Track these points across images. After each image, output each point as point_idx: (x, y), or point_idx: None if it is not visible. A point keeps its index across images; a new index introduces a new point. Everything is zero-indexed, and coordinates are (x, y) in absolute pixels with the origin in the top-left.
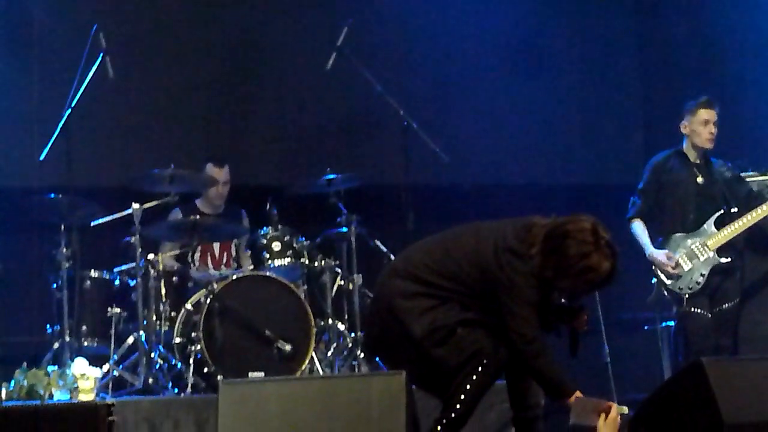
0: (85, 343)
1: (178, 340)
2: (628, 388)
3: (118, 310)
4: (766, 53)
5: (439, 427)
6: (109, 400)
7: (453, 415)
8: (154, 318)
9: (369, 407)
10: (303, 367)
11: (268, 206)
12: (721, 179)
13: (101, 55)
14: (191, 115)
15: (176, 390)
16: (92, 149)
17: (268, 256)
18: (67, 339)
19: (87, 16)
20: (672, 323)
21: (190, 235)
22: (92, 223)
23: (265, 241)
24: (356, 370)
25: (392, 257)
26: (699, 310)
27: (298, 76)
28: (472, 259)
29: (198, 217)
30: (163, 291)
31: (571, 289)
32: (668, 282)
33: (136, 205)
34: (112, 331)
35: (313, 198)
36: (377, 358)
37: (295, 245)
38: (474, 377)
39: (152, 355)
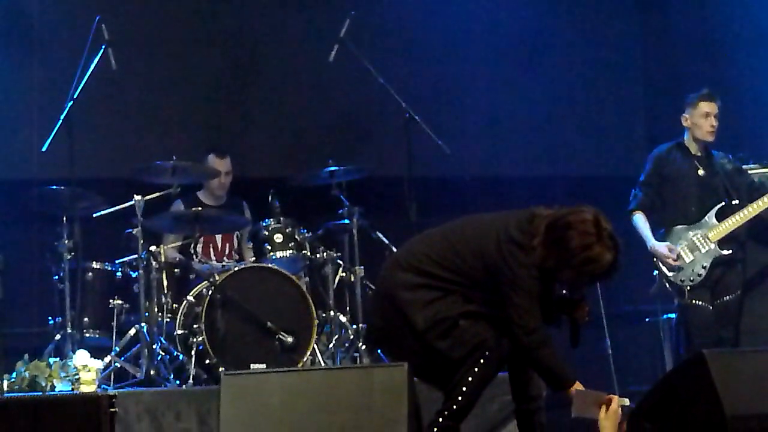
0: (87, 335)
1: (179, 331)
2: (630, 380)
3: (120, 301)
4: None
5: (441, 419)
6: (111, 391)
7: (455, 406)
8: (156, 309)
9: (371, 399)
10: (305, 358)
11: (270, 198)
12: (722, 171)
13: (103, 47)
14: (193, 107)
15: (178, 381)
16: (94, 141)
17: (270, 247)
18: (69, 330)
19: (89, 8)
20: (673, 315)
21: (192, 226)
22: (94, 215)
23: (267, 233)
24: (358, 361)
25: (394, 249)
26: (700, 302)
27: (301, 68)
28: (474, 250)
29: (200, 208)
30: (165, 283)
31: (572, 280)
32: (670, 274)
33: (138, 197)
34: (114, 323)
35: (315, 190)
36: (379, 351)
37: (297, 237)
38: (476, 369)
39: (154, 346)
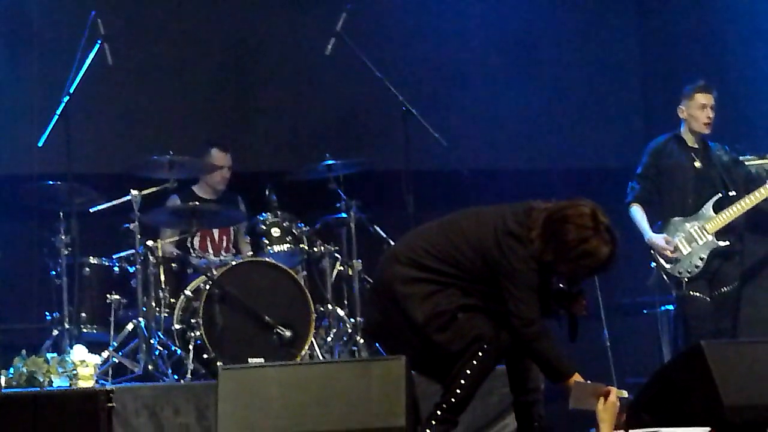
0: (85, 330)
1: (177, 326)
2: (628, 372)
3: (117, 296)
4: (766, 38)
5: (439, 412)
6: (109, 386)
7: (454, 399)
8: (154, 304)
9: (369, 392)
10: (303, 352)
11: (267, 192)
12: (719, 163)
13: (99, 42)
14: (190, 102)
15: (176, 376)
16: (91, 136)
17: (267, 241)
18: (67, 326)
19: (85, 3)
20: (671, 307)
21: (189, 221)
22: (91, 210)
23: (264, 227)
24: (356, 355)
25: (392, 243)
26: (698, 294)
27: (297, 62)
28: (472, 244)
29: (197, 203)
30: (163, 277)
31: (570, 273)
32: (667, 266)
33: (135, 192)
34: (112, 318)
35: (312, 184)
36: (377, 345)
37: (294, 231)
38: (475, 362)
39: (152, 341)
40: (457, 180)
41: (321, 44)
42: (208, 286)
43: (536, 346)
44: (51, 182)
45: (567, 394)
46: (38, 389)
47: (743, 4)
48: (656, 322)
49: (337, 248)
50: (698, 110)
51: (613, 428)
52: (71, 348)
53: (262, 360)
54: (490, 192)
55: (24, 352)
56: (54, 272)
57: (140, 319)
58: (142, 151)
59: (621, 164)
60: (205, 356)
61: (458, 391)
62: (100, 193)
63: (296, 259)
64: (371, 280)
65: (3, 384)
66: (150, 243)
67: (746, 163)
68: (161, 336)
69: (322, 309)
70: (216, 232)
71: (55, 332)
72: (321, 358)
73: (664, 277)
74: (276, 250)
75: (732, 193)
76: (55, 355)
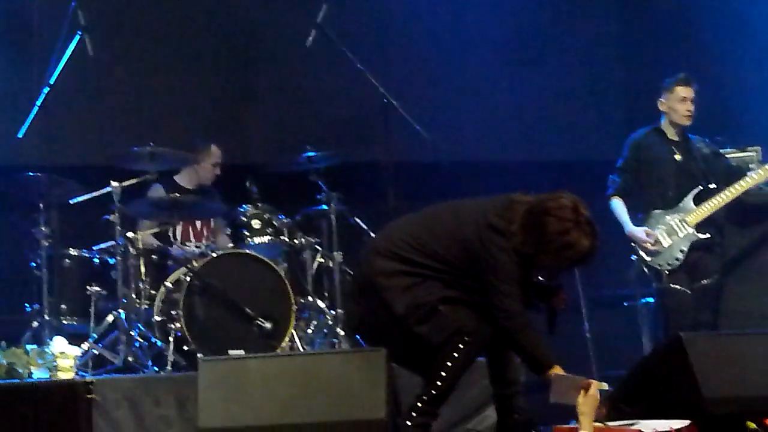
0: (65, 322)
1: (158, 318)
2: (609, 364)
3: (97, 288)
4: (745, 31)
5: (420, 404)
6: (89, 378)
7: (434, 391)
8: (134, 296)
9: (349, 384)
10: (283, 344)
11: (248, 184)
12: (699, 156)
13: (79, 32)
14: (170, 93)
15: (156, 368)
16: (71, 127)
17: (248, 233)
18: (47, 317)
19: None
20: (652, 300)
21: (169, 212)
22: (71, 202)
23: (245, 219)
24: (336, 347)
25: (372, 235)
26: (679, 287)
27: (278, 54)
28: (453, 236)
29: (178, 194)
30: (143, 269)
31: (550, 265)
32: (648, 258)
33: (115, 184)
34: (92, 309)
35: (293, 176)
36: (358, 337)
37: (275, 223)
38: (456, 355)
39: (132, 333)
40: (438, 172)
41: (302, 36)
42: (188, 278)
43: (519, 338)
44: (31, 173)
45: (547, 386)
46: (18, 381)
47: None
48: (637, 315)
49: (317, 240)
50: (678, 103)
51: (593, 421)
52: (51, 339)
53: (242, 352)
54: (471, 184)
55: (4, 343)
56: (34, 264)
57: (120, 310)
58: (122, 142)
59: (602, 157)
60: (185, 348)
61: (439, 383)
62: (81, 185)
63: (277, 251)
64: (352, 272)
65: None
66: (130, 234)
67: (727, 155)
68: (141, 327)
69: (302, 301)
70: (198, 223)
71: (35, 324)
72: (301, 349)
73: (645, 269)
74: (257, 242)
75: (712, 186)
76: (35, 346)
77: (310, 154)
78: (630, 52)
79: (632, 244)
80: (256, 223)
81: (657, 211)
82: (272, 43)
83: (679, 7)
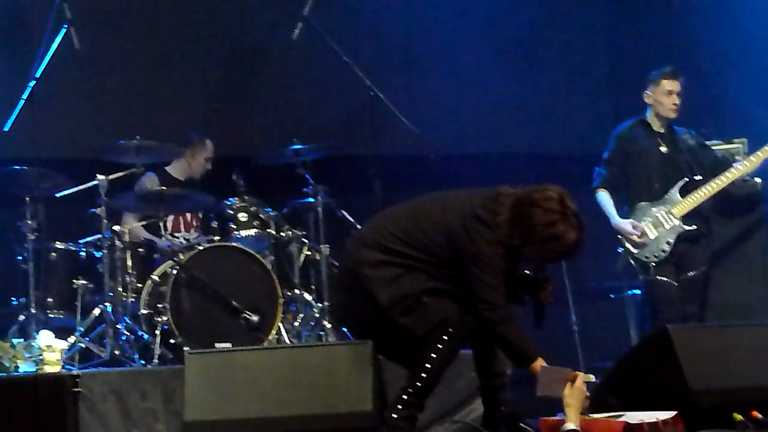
0: (51, 315)
1: (144, 311)
2: (596, 356)
3: (84, 281)
4: (731, 23)
5: (405, 396)
6: (75, 371)
7: (419, 383)
8: (121, 289)
9: (336, 376)
10: (270, 337)
11: (234, 177)
12: (684, 148)
13: (65, 26)
14: (157, 86)
15: (143, 361)
16: (58, 120)
17: (234, 226)
18: (33, 311)
19: None
20: (638, 291)
21: (156, 205)
22: (58, 195)
23: (231, 212)
24: (323, 339)
25: (359, 228)
26: (665, 278)
27: (265, 47)
28: (439, 227)
29: (164, 187)
30: (129, 262)
31: (536, 258)
32: (634, 251)
33: (101, 177)
34: (78, 303)
35: (279, 168)
36: (344, 328)
37: (261, 216)
38: (440, 346)
39: (118, 326)
40: (424, 165)
41: (288, 29)
42: (175, 271)
43: (501, 330)
44: (17, 167)
45: (533, 379)
46: (4, 375)
47: None
48: (623, 307)
49: (304, 233)
50: (665, 96)
51: (579, 413)
52: (38, 333)
53: (229, 345)
54: (458, 177)
55: None
56: (20, 257)
57: (107, 304)
58: (109, 135)
59: (589, 150)
60: (172, 341)
61: (424, 375)
62: (67, 178)
63: (263, 244)
64: (338, 264)
65: None
66: (117, 228)
67: (713, 147)
68: (128, 321)
69: (289, 294)
70: (188, 214)
71: (22, 317)
72: (288, 342)
73: (631, 261)
74: (243, 235)
75: (698, 178)
76: (21, 340)
77: (297, 147)
78: (616, 45)
79: (619, 236)
80: (242, 216)
81: (643, 203)
82: (259, 36)
83: (665, 1)
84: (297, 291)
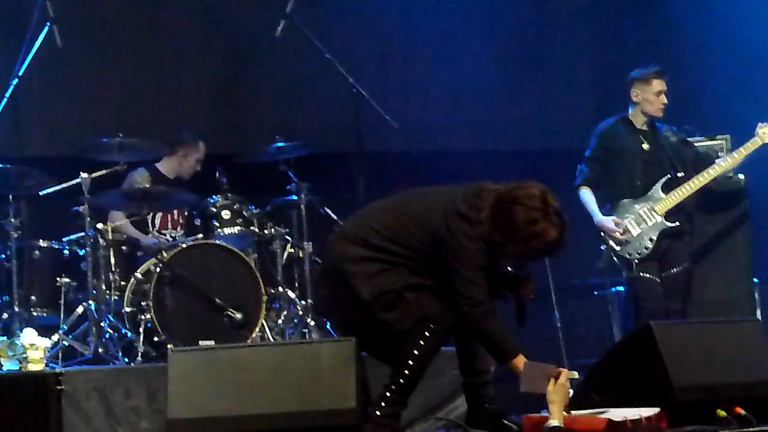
0: (35, 313)
1: (128, 309)
2: (579, 353)
3: (67, 279)
4: (712, 19)
5: (388, 393)
6: (59, 369)
7: (402, 380)
8: (104, 287)
9: (319, 374)
10: (253, 335)
11: (217, 174)
12: (667, 144)
13: (48, 24)
14: (139, 85)
15: (126, 359)
16: (41, 118)
17: (217, 224)
18: (17, 309)
19: None
20: (622, 288)
21: (139, 204)
22: (41, 193)
23: (214, 210)
24: (307, 337)
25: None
26: (648, 275)
27: (247, 45)
28: (421, 223)
29: (147, 185)
30: (113, 260)
31: (518, 255)
32: (617, 248)
33: (84, 175)
34: (62, 301)
35: (262, 166)
36: (328, 326)
37: (245, 213)
38: (422, 342)
39: (102, 324)
40: (407, 162)
41: (271, 26)
42: (158, 269)
43: (482, 326)
44: (0, 165)
45: (517, 376)
46: None
47: None
48: (607, 304)
49: (287, 230)
50: (654, 96)
51: (563, 409)
52: (21, 331)
53: (212, 342)
54: (441, 174)
55: None
56: (3, 255)
57: (90, 302)
58: (92, 133)
59: (571, 147)
60: (155, 339)
61: (406, 372)
62: (50, 176)
63: (247, 242)
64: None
65: None
66: (100, 226)
67: (696, 144)
68: (111, 319)
69: (272, 291)
70: (176, 211)
71: (5, 315)
72: (272, 340)
73: (615, 258)
74: (226, 233)
75: (681, 174)
76: (4, 338)
77: (280, 144)
78: (598, 42)
79: (601, 233)
80: (225, 214)
81: (625, 200)
82: (241, 34)
83: None
84: (280, 288)
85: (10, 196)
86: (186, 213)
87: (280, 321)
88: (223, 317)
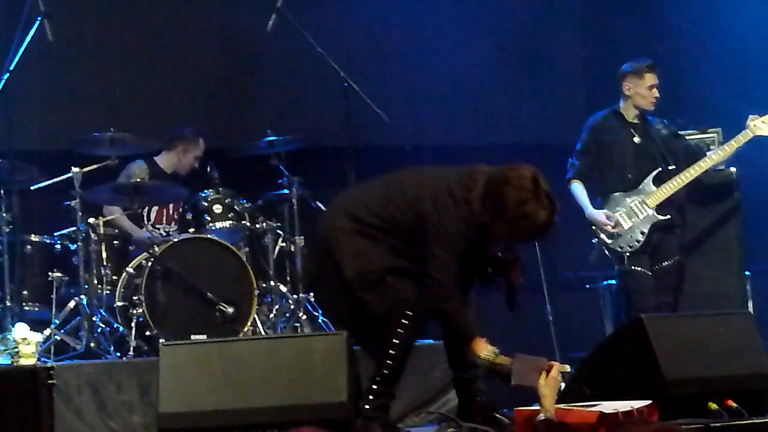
0: (27, 308)
1: (119, 303)
2: (571, 346)
3: (59, 274)
4: (704, 12)
5: (375, 386)
6: (50, 364)
7: (386, 371)
8: (96, 282)
9: (311, 368)
10: (245, 329)
11: (209, 169)
12: (658, 137)
13: (39, 18)
14: (131, 79)
15: (118, 353)
16: (32, 113)
17: (209, 218)
18: (8, 304)
19: None
20: (614, 282)
21: (131, 198)
22: (32, 187)
23: (206, 204)
24: (298, 331)
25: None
26: (640, 268)
27: (239, 38)
28: (409, 199)
29: (140, 180)
30: (105, 255)
31: (505, 235)
32: (609, 241)
33: (76, 169)
34: (54, 296)
35: (254, 160)
36: (321, 321)
37: (236, 207)
38: (400, 331)
39: (94, 318)
40: (399, 156)
41: (263, 21)
42: (150, 263)
43: (444, 307)
44: None
45: (509, 369)
46: None
47: None
48: (599, 297)
49: (279, 225)
50: (647, 90)
51: (554, 403)
52: (13, 326)
53: (204, 337)
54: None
55: None
56: None
57: (82, 296)
58: (83, 128)
59: (562, 140)
60: (147, 333)
61: (389, 362)
62: (42, 171)
63: (238, 236)
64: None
65: None
66: (92, 220)
67: (688, 137)
68: (103, 313)
69: (264, 285)
70: (171, 206)
71: None
72: (263, 334)
73: (606, 252)
74: (218, 227)
75: (672, 167)
76: None
77: (271, 138)
78: (590, 35)
79: (593, 227)
80: (217, 208)
81: (617, 193)
82: (232, 28)
83: None
84: (272, 282)
85: (2, 191)
86: (181, 209)
87: (271, 315)
88: (214, 311)
